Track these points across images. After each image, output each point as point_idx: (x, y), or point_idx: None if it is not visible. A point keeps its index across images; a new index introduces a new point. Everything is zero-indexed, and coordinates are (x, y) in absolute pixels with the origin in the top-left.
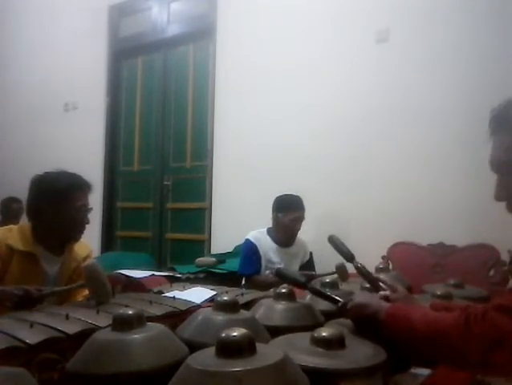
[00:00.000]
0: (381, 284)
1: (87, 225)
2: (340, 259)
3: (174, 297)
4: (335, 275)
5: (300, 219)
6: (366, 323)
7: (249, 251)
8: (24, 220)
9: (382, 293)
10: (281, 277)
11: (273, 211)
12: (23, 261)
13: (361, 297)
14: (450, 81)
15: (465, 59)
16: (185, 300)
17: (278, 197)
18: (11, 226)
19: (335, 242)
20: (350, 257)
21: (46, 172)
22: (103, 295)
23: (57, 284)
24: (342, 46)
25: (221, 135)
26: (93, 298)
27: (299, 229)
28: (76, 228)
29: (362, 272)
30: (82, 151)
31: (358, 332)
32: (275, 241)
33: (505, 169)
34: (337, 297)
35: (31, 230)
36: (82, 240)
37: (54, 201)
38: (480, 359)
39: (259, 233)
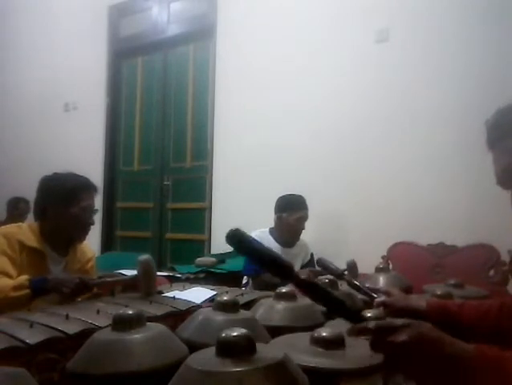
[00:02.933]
0: (374, 292)
1: None
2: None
3: (174, 297)
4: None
5: (305, 218)
6: (435, 366)
7: None
8: (29, 221)
9: (378, 300)
10: (321, 266)
11: (276, 211)
12: (31, 257)
13: (423, 326)
14: (450, 81)
15: (465, 59)
16: (185, 300)
17: (281, 197)
18: (20, 224)
19: (323, 264)
20: (340, 274)
21: (54, 173)
22: (152, 288)
23: None
24: (342, 46)
25: (221, 135)
26: (142, 290)
27: (304, 229)
28: (81, 228)
29: (353, 286)
30: (82, 151)
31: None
32: (278, 241)
33: None
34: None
35: (39, 229)
36: (85, 241)
37: (60, 201)
38: None
39: (262, 233)
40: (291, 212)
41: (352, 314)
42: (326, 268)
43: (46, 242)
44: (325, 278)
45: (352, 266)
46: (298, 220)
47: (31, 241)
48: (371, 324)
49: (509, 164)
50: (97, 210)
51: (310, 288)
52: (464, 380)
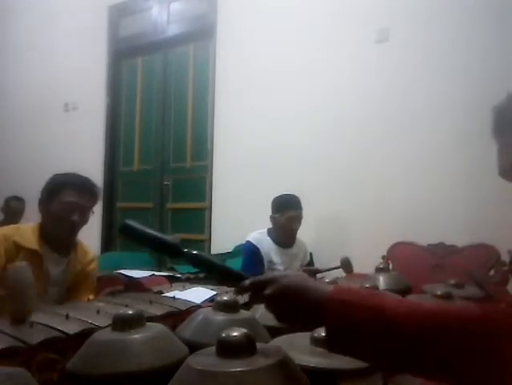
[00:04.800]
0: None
1: (86, 225)
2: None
3: (174, 297)
4: (340, 269)
5: (297, 218)
6: (297, 314)
7: (251, 253)
8: (25, 219)
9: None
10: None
11: (271, 212)
12: (28, 259)
13: (289, 278)
14: (450, 81)
15: (464, 59)
16: (185, 300)
17: (275, 198)
18: (19, 225)
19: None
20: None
21: (56, 174)
22: (21, 309)
23: (61, 285)
24: (342, 46)
25: (221, 135)
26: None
27: (298, 229)
28: (63, 225)
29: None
30: (82, 151)
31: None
32: (275, 241)
33: None
34: (242, 273)
35: (39, 230)
36: (85, 244)
37: (45, 198)
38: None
39: (259, 234)
40: (283, 213)
41: (234, 276)
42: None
43: (46, 243)
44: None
45: (346, 263)
46: (290, 220)
47: (28, 242)
48: (247, 282)
49: None
50: (87, 209)
51: (195, 260)
52: (321, 322)
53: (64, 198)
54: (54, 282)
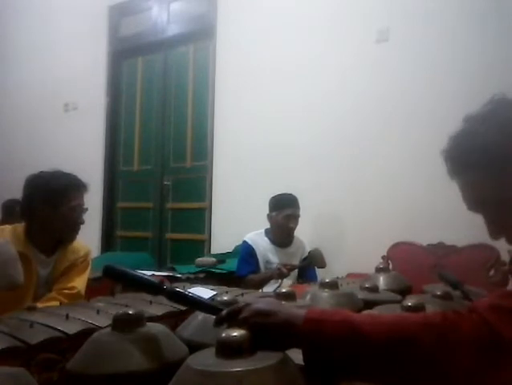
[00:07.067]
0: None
1: (86, 225)
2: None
3: None
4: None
5: (293, 217)
6: (272, 335)
7: (245, 253)
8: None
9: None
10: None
11: (268, 211)
12: None
13: (262, 303)
14: (450, 81)
15: (464, 60)
16: None
17: (272, 197)
18: (4, 226)
19: (444, 276)
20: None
21: (40, 172)
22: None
23: (50, 285)
24: (342, 45)
25: (221, 135)
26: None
27: (295, 228)
28: (71, 227)
29: (465, 295)
30: (82, 151)
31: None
32: (273, 241)
33: (484, 208)
34: (219, 306)
35: (25, 231)
36: (81, 241)
37: (49, 201)
38: (467, 367)
39: (256, 235)
40: (279, 211)
41: (213, 309)
42: (445, 279)
43: (32, 244)
44: (326, 279)
45: (317, 256)
46: (287, 219)
47: (14, 244)
48: (224, 313)
49: (476, 197)
50: (87, 209)
51: (176, 296)
52: (295, 344)
53: (71, 202)
54: (44, 283)
